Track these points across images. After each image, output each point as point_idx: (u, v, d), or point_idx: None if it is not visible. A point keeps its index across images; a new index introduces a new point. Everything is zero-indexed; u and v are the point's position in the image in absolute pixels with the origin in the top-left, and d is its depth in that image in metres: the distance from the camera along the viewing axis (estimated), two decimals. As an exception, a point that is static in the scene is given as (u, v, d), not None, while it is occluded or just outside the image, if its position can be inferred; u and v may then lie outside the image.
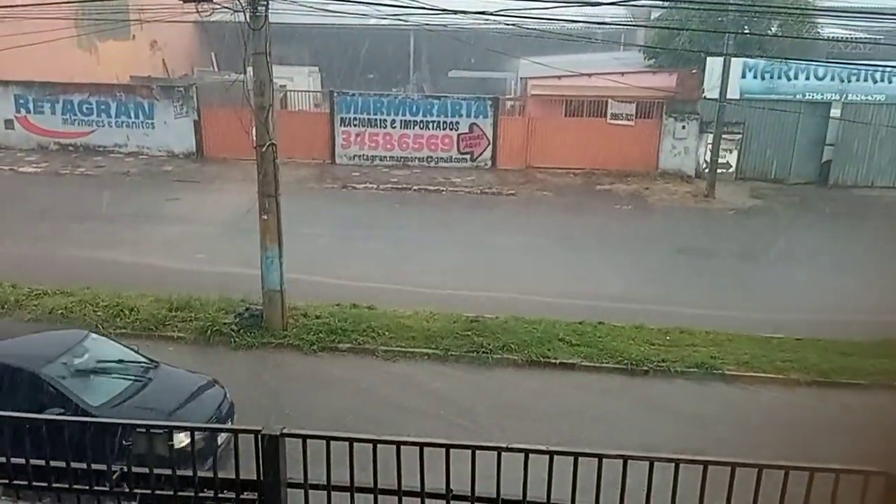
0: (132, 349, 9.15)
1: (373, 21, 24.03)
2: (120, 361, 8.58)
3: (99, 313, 11.75)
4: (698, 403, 9.97)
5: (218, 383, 8.88)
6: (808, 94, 21.94)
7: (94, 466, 4.37)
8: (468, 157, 23.19)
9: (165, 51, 30.38)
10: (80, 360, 8.28)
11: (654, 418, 9.57)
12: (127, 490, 4.39)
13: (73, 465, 4.36)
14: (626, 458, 4.18)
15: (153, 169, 22.30)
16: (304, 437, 4.36)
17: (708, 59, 21.31)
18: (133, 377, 8.44)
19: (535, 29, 19.13)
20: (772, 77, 21.96)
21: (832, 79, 21.83)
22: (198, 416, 7.93)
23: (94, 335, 9.01)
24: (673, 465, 4.15)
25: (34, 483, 4.42)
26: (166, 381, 8.61)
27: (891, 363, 10.77)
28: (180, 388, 8.59)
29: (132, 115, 23.57)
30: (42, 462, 4.37)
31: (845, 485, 4.01)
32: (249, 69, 10.88)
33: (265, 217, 11.30)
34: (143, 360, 8.89)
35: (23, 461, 4.38)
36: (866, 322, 12.04)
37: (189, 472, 4.38)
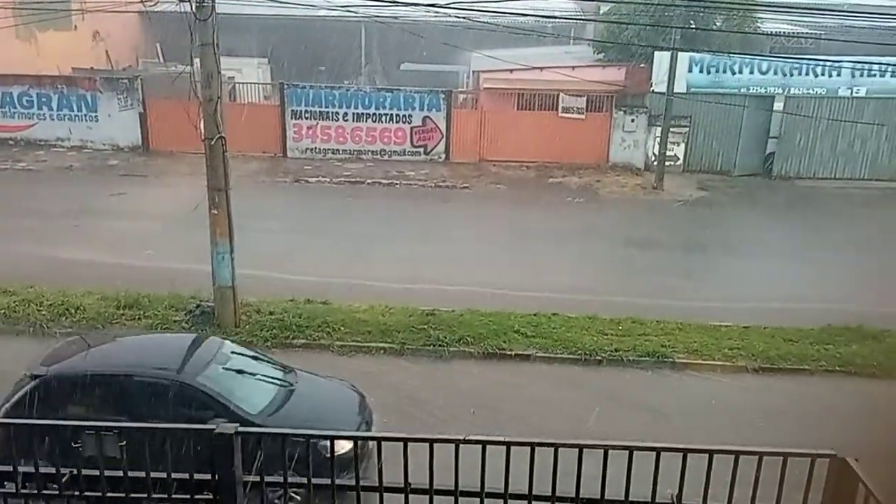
0: (263, 355, 8.88)
1: (322, 12, 23.79)
2: (261, 367, 8.37)
3: (43, 312, 11.41)
4: (650, 392, 10.18)
5: (354, 388, 8.66)
6: (752, 87, 22.48)
7: (42, 470, 4.25)
8: (422, 150, 23.15)
9: (108, 42, 29.51)
10: (225, 367, 8.02)
11: (609, 407, 9.73)
12: (77, 493, 4.28)
13: (21, 468, 4.23)
14: (581, 447, 4.22)
15: (97, 163, 21.70)
16: (260, 435, 4.31)
17: (656, 53, 21.68)
18: (279, 383, 8.22)
19: (486, 22, 19.21)
20: (717, 71, 22.44)
21: (775, 73, 22.41)
22: (349, 422, 7.78)
23: (227, 341, 8.76)
24: (627, 452, 4.21)
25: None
26: (309, 386, 8.40)
27: (835, 349, 11.16)
28: (324, 393, 8.43)
29: (75, 107, 22.88)
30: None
31: (793, 467, 4.13)
32: (196, 61, 10.66)
33: (215, 212, 11.11)
34: (279, 365, 8.67)
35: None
36: (811, 309, 12.46)
37: (141, 474, 4.28)
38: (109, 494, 4.33)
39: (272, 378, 8.26)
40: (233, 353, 8.42)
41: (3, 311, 11.39)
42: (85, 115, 22.93)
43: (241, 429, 4.31)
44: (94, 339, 9.16)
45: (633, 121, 22.75)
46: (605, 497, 4.28)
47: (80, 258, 13.98)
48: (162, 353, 8.37)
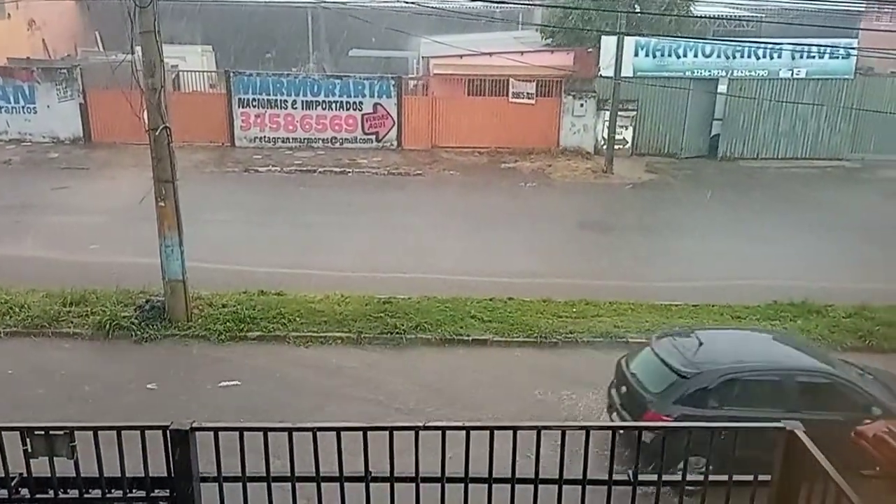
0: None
1: (268, -2, 23.40)
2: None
3: (-15, 312, 11.02)
4: (605, 371, 10.32)
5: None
6: (696, 70, 22.91)
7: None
8: (373, 137, 22.99)
9: (45, 30, 28.51)
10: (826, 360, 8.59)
11: (565, 388, 9.86)
12: (28, 496, 4.16)
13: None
14: (539, 429, 4.27)
15: (37, 156, 21.00)
16: (216, 430, 4.24)
17: (603, 37, 21.90)
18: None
19: (434, 7, 19.14)
20: (662, 55, 22.79)
21: (718, 56, 22.87)
22: None
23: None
24: (584, 432, 4.27)
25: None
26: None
27: (780, 325, 11.50)
28: None
29: (11, 99, 22.08)
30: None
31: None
32: (138, 49, 10.36)
33: (162, 204, 10.86)
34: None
35: None
36: (757, 286, 12.81)
37: (95, 474, 4.19)
38: (62, 496, 4.23)
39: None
40: (801, 346, 9.00)
41: (-59, 312, 10.97)
42: (23, 107, 22.16)
43: (195, 424, 4.25)
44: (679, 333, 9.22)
45: (582, 105, 22.96)
46: (564, 477, 4.35)
47: (22, 255, 13.55)
48: (768, 348, 8.82)
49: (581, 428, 4.30)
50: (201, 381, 9.93)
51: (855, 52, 22.75)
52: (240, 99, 22.48)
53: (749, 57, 22.81)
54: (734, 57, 22.83)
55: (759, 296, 12.35)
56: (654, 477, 4.31)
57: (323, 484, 4.34)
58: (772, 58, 22.78)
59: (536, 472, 4.34)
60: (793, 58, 22.74)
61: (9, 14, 27.02)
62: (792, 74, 22.88)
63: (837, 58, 22.62)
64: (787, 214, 17.69)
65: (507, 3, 25.25)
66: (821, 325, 11.46)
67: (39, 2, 23.07)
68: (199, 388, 9.75)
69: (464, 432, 4.26)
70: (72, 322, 11.06)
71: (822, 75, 22.82)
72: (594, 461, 4.35)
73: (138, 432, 4.22)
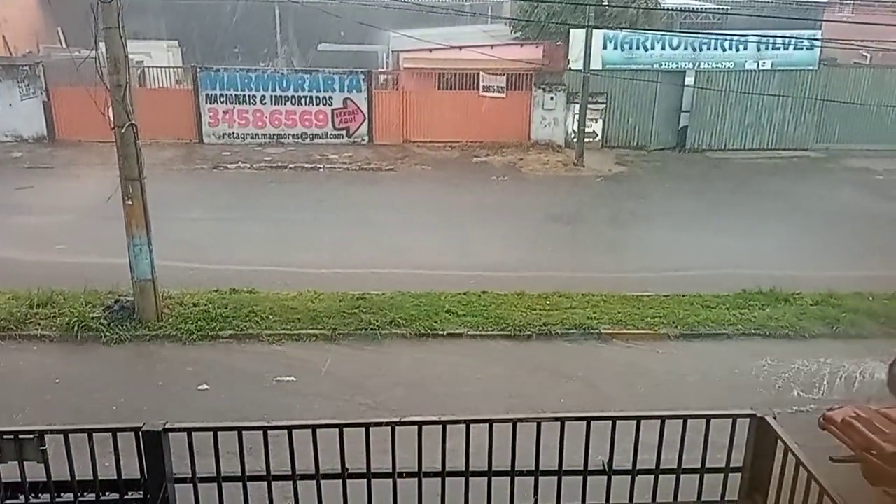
0: None
1: (235, -8, 23.11)
2: None
3: (-52, 316, 10.77)
4: (578, 362, 10.43)
5: None
6: (664, 63, 23.10)
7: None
8: (344, 132, 22.87)
9: (5, 27, 27.81)
10: None
11: (540, 380, 9.93)
12: (-3, 503, 4.09)
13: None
14: (514, 421, 4.31)
15: (0, 156, 20.54)
16: (189, 430, 4.21)
17: (571, 30, 21.98)
18: None
19: (403, 1, 19.05)
20: (631, 48, 22.94)
21: (686, 48, 23.09)
22: None
23: None
24: (559, 423, 4.32)
25: None
26: None
27: (749, 313, 11.68)
28: None
29: (-29, 97, 21.56)
30: None
31: (716, 428, 4.32)
32: (102, 45, 10.18)
33: (129, 202, 10.69)
34: None
35: None
36: (726, 275, 13.01)
37: (66, 477, 4.13)
38: (33, 500, 4.17)
39: None
40: None
41: None
42: (-17, 106, 21.64)
43: (168, 425, 4.21)
44: None
45: (552, 98, 23.05)
46: (540, 468, 4.39)
47: (-15, 256, 13.26)
48: None
49: (556, 419, 4.35)
50: (172, 381, 9.81)
51: (819, 43, 23.13)
52: (207, 95, 22.20)
53: (716, 49, 23.06)
54: (701, 49, 23.07)
55: (728, 285, 12.53)
56: (629, 466, 4.38)
57: (299, 482, 4.33)
58: (738, 50, 23.05)
59: (513, 464, 4.38)
60: (758, 49, 23.03)
61: (-33, 10, 26.35)
62: (757, 66, 23.19)
63: (802, 49, 22.98)
64: (753, 204, 17.95)
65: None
66: (789, 313, 11.66)
67: (-1, -3, 22.57)
68: (170, 389, 9.63)
69: (440, 427, 4.28)
70: (39, 324, 10.86)
71: (787, 67, 23.17)
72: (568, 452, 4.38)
73: (110, 434, 4.17)
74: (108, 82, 10.17)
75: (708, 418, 4.32)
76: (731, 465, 4.37)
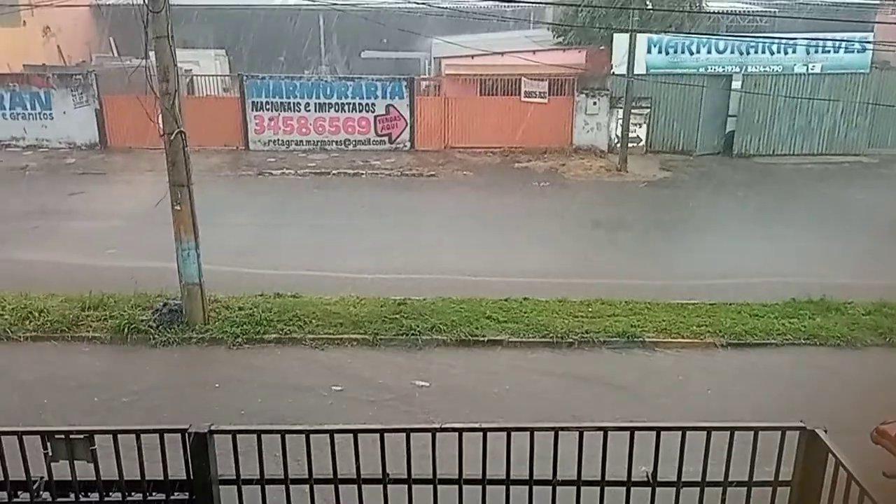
0: None
1: (279, 1, 23.48)
2: None
3: (6, 317, 11.13)
4: (622, 371, 10.30)
5: None
6: (710, 67, 22.74)
7: (11, 478, 4.16)
8: (386, 138, 23.03)
9: (60, 37, 28.77)
10: None
11: (583, 389, 9.83)
12: (49, 500, 4.20)
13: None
14: (556, 430, 4.26)
15: (54, 162, 21.21)
16: (234, 433, 4.26)
17: (615, 35, 21.80)
18: None
19: (446, 8, 19.14)
20: (675, 52, 22.65)
21: (732, 52, 22.70)
22: None
23: None
24: (602, 432, 4.26)
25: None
26: None
27: (799, 322, 11.39)
28: None
29: (28, 106, 22.32)
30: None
31: (764, 440, 4.21)
32: (152, 54, 10.44)
33: (178, 208, 10.92)
34: None
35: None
36: (774, 283, 12.72)
37: (115, 477, 4.22)
38: (83, 499, 4.27)
39: None
40: None
41: (-38, 318, 11.09)
42: (39, 114, 22.39)
43: (213, 427, 4.27)
44: None
45: (595, 103, 22.88)
46: (582, 478, 4.33)
47: (41, 260, 13.68)
48: None
49: (599, 429, 4.28)
50: (218, 383, 9.98)
51: (870, 45, 22.52)
52: (253, 102, 22.59)
53: (763, 52, 22.63)
54: (748, 53, 22.66)
55: (776, 293, 12.24)
56: (674, 478, 4.29)
57: (341, 486, 4.36)
58: (786, 53, 22.59)
59: (554, 473, 4.33)
60: (807, 53, 22.54)
61: (24, 21, 27.29)
62: (807, 69, 22.68)
63: (853, 52, 22.40)
64: (803, 211, 17.54)
65: (519, 2, 25.20)
66: (840, 323, 11.34)
67: (54, 9, 23.27)
68: (216, 390, 9.80)
69: (481, 434, 4.26)
70: (90, 326, 11.15)
71: (837, 70, 22.60)
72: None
73: (157, 435, 4.25)
74: (157, 90, 10.40)
75: (756, 430, 4.21)
76: (780, 479, 4.25)
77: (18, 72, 23.67)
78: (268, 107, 22.66)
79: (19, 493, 4.20)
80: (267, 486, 4.36)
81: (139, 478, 4.29)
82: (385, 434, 4.26)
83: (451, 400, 9.47)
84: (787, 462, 4.26)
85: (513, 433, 4.27)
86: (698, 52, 22.66)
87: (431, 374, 10.15)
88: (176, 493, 4.35)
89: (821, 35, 22.46)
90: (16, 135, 22.44)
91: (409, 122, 22.91)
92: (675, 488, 4.31)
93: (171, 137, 10.54)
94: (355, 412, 9.07)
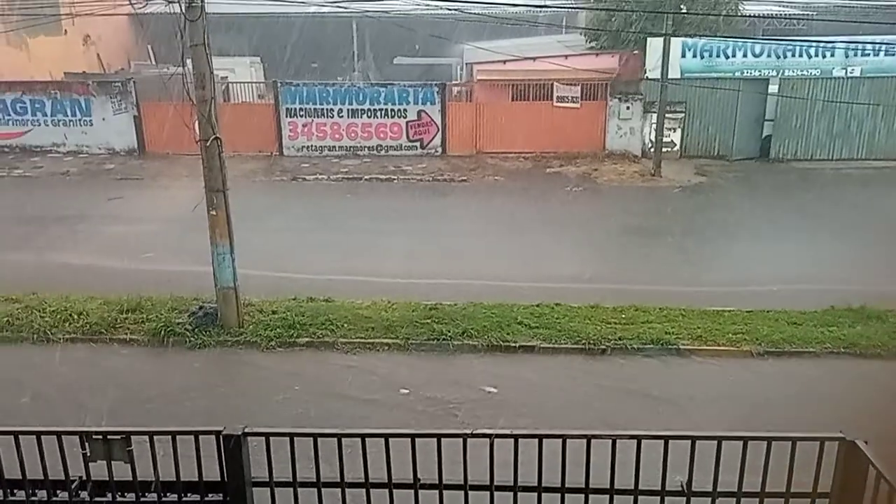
0: None
1: (313, 8, 23.72)
2: None
3: (46, 319, 11.38)
4: (656, 379, 10.18)
5: None
6: (746, 71, 22.44)
7: (50, 477, 4.24)
8: (418, 144, 23.11)
9: (100, 45, 29.43)
10: None
11: (616, 397, 9.74)
12: (87, 499, 4.27)
13: (29, 476, 4.23)
14: (589, 438, 4.22)
15: (94, 167, 21.66)
16: (267, 435, 4.30)
17: (649, 39, 21.62)
18: None
19: (477, 14, 19.15)
20: (710, 55, 22.39)
21: (769, 55, 22.37)
22: None
23: None
24: (635, 441, 4.21)
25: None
26: None
27: (839, 330, 11.15)
28: None
29: (69, 112, 22.84)
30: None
31: (802, 451, 4.13)
32: (188, 61, 10.62)
33: (213, 213, 11.08)
34: None
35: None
36: (812, 291, 12.46)
37: (150, 477, 4.28)
38: (119, 499, 4.34)
39: None
40: None
41: (6, 319, 11.36)
42: (79, 120, 22.90)
43: (247, 430, 4.31)
44: None
45: (628, 108, 22.70)
46: (615, 486, 4.28)
47: (80, 263, 13.97)
48: None
49: (632, 437, 4.23)
50: (252, 386, 10.09)
51: (912, 48, 22.03)
52: (287, 109, 22.85)
53: (801, 56, 22.26)
54: (785, 56, 22.31)
55: (814, 301, 12.00)
56: (709, 488, 4.22)
57: (372, 490, 4.37)
58: (824, 56, 22.18)
59: (587, 481, 4.29)
60: (846, 56, 22.11)
61: (65, 30, 27.97)
62: (846, 73, 22.25)
63: (893, 55, 21.91)
64: (842, 216, 17.19)
65: (551, 7, 25.15)
66: (880, 332, 11.06)
67: (94, 18, 23.82)
68: (249, 393, 9.91)
69: (512, 440, 4.24)
70: (128, 329, 11.35)
71: (877, 73, 22.13)
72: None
73: (192, 437, 4.31)
74: (194, 97, 10.57)
75: (794, 440, 4.12)
76: (819, 491, 4.16)
77: (60, 80, 24.26)
78: (301, 113, 22.90)
79: (58, 492, 4.28)
80: (299, 489, 4.39)
81: (174, 479, 4.35)
82: (416, 439, 4.26)
83: (482, 405, 9.44)
84: (826, 473, 4.17)
85: (544, 440, 4.24)
86: (734, 55, 22.37)
87: (466, 380, 10.14)
88: (210, 495, 4.39)
89: (860, 38, 22.02)
90: (57, 141, 22.98)
91: (440, 127, 22.97)
92: (710, 498, 4.24)
93: (207, 143, 10.70)
94: (384, 416, 9.09)
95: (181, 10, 10.06)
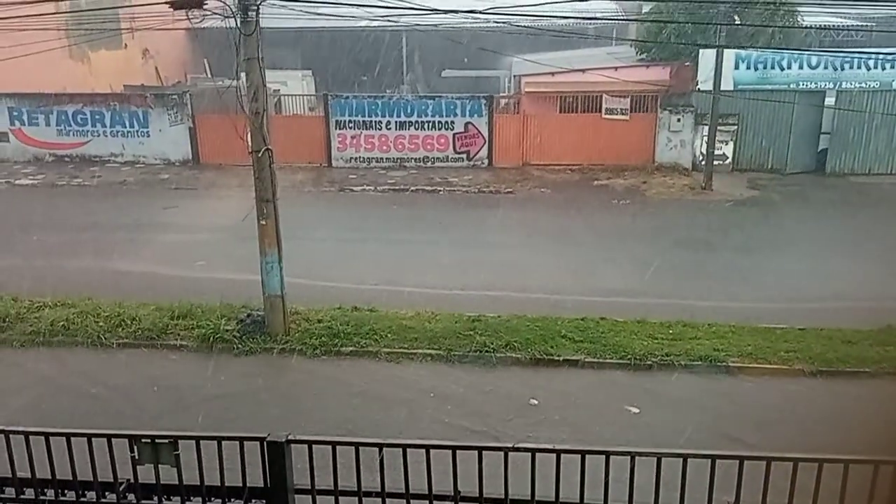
0: None
1: (364, 23, 24.04)
2: None
3: (100, 324, 11.72)
4: (703, 397, 9.96)
5: None
6: (801, 83, 21.92)
7: (100, 479, 4.35)
8: (464, 156, 23.17)
9: (158, 59, 30.33)
10: None
11: (661, 414, 9.56)
12: (134, 501, 4.37)
13: (79, 478, 4.34)
14: (633, 455, 4.15)
15: (150, 177, 22.27)
16: (310, 443, 4.34)
17: (701, 51, 21.30)
18: None
19: (526, 26, 19.15)
20: (765, 67, 21.95)
21: (825, 67, 21.81)
22: None
23: None
24: (681, 460, 4.12)
25: (40, 497, 4.40)
26: None
27: (895, 350, 10.76)
28: None
29: (127, 124, 23.54)
30: (48, 476, 4.35)
31: (855, 475, 3.99)
32: (242, 75, 10.86)
33: (263, 222, 11.28)
34: None
35: (28, 476, 4.36)
36: (868, 309, 12.05)
37: (196, 482, 4.36)
38: (165, 502, 4.42)
39: None
40: None
41: (62, 324, 11.73)
42: (137, 131, 23.57)
43: (290, 437, 4.36)
44: None
45: (679, 120, 22.38)
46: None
47: (135, 270, 14.35)
48: None
49: (678, 455, 4.15)
50: (298, 393, 10.21)
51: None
52: (337, 121, 23.15)
53: (859, 68, 21.65)
54: (843, 68, 21.72)
55: (869, 319, 11.60)
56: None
57: (412, 501, 4.37)
58: (884, 68, 21.53)
59: (630, 499, 4.22)
60: (907, 68, 21.44)
61: (125, 44, 28.92)
62: (906, 86, 21.57)
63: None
64: (900, 233, 16.60)
65: (600, 19, 24.99)
66: (941, 353, 10.66)
67: (153, 32, 24.56)
68: (295, 400, 10.02)
69: (554, 455, 4.20)
70: (178, 335, 11.61)
71: (941, 85, 21.39)
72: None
73: (237, 443, 4.38)
74: (247, 110, 10.81)
75: (846, 462, 4.00)
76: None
77: (119, 92, 25.05)
78: (350, 125, 23.17)
79: (106, 493, 4.38)
80: (340, 498, 4.41)
81: (219, 483, 4.42)
82: (457, 451, 4.25)
83: (524, 419, 9.37)
84: (880, 498, 4.02)
85: (587, 456, 4.19)
86: (789, 67, 21.88)
87: (507, 391, 10.08)
88: (253, 501, 4.45)
89: (922, 49, 21.34)
90: (115, 151, 23.70)
91: (486, 139, 22.99)
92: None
93: (259, 154, 10.92)
94: (426, 425, 9.09)
95: (237, 24, 10.31)
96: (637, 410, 9.60)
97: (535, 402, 9.84)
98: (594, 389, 10.20)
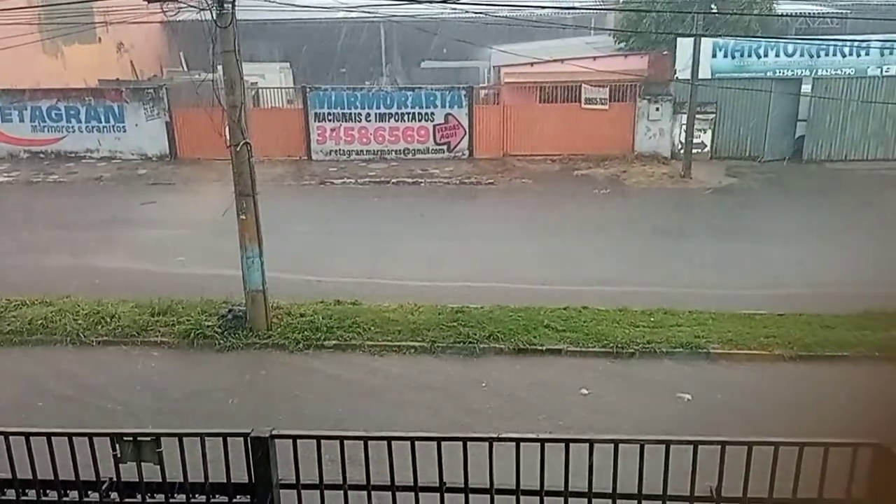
0: None
1: (341, 14, 23.90)
2: None
3: (79, 322, 11.60)
4: (685, 383, 10.05)
5: None
6: (778, 70, 22.11)
7: (82, 478, 4.31)
8: (445, 147, 23.13)
9: (133, 53, 29.96)
10: None
11: (644, 401, 9.64)
12: (117, 500, 4.34)
13: (61, 477, 4.30)
14: (616, 442, 4.19)
15: (127, 173, 22.02)
16: (294, 438, 4.33)
17: (679, 39, 21.40)
18: None
19: (504, 17, 19.13)
20: (742, 55, 22.11)
21: (802, 55, 22.02)
22: None
23: None
24: (663, 446, 4.16)
25: (22, 497, 4.36)
26: None
27: (873, 334, 10.92)
28: None
29: (103, 119, 23.24)
30: (30, 476, 4.31)
31: (835, 457, 4.05)
32: (219, 68, 10.76)
33: (243, 217, 11.21)
34: None
35: (9, 476, 4.31)
36: (846, 294, 12.21)
37: (179, 479, 4.34)
38: (149, 500, 4.40)
39: None
40: None
41: (40, 322, 11.59)
42: (113, 126, 23.29)
43: (274, 432, 4.35)
44: None
45: (657, 109, 22.49)
46: (643, 492, 4.24)
47: (113, 267, 14.20)
48: None
49: (660, 442, 4.19)
50: (279, 388, 10.17)
51: (951, 46, 21.53)
52: (316, 113, 23.01)
53: (835, 55, 21.88)
54: (819, 55, 21.94)
55: (848, 304, 11.76)
56: (739, 493, 4.16)
57: (398, 493, 4.37)
58: (859, 55, 21.77)
59: (614, 487, 4.25)
60: (882, 55, 21.67)
61: (99, 38, 28.52)
62: (881, 72, 21.80)
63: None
64: (876, 219, 16.82)
65: (578, 9, 25.02)
66: (917, 335, 10.83)
67: (128, 26, 24.23)
68: (276, 395, 9.98)
69: (538, 445, 4.22)
70: (159, 331, 11.52)
71: (914, 72, 21.66)
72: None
73: (220, 439, 4.35)
74: (224, 103, 10.71)
75: (826, 446, 4.05)
76: (852, 497, 4.08)
77: (94, 87, 24.72)
78: (330, 118, 23.05)
79: (89, 492, 4.35)
80: (326, 492, 4.41)
81: (203, 480, 4.39)
82: (442, 442, 4.26)
83: (509, 407, 9.41)
84: (859, 480, 4.08)
85: (571, 444, 4.21)
86: (766, 55, 22.06)
87: (490, 382, 10.11)
88: (238, 497, 4.43)
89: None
90: (91, 147, 23.40)
91: (467, 130, 22.97)
92: (739, 504, 4.18)
93: (237, 148, 10.83)
94: (411, 417, 9.10)
95: (212, 17, 10.20)
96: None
97: (519, 392, 9.88)
98: (576, 377, 10.25)
